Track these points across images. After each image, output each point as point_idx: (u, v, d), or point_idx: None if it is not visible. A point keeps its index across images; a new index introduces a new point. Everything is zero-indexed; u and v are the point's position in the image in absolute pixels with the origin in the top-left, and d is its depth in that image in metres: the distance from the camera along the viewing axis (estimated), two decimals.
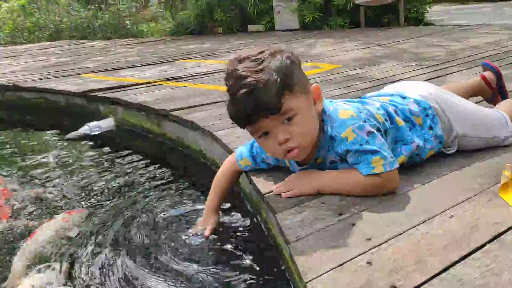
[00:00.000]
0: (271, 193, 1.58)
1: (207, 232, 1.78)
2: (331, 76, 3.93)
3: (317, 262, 1.14)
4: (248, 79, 1.34)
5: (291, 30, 8.79)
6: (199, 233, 1.81)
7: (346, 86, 3.41)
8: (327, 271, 1.10)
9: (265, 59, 1.38)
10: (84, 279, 1.67)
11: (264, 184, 1.67)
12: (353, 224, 1.31)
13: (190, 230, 1.86)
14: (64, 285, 1.61)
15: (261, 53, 1.40)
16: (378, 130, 1.49)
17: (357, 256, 1.15)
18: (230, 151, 2.23)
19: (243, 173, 1.89)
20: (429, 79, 3.31)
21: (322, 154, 1.56)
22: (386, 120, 1.58)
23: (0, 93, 4.98)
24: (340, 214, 1.37)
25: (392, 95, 1.79)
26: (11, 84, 4.84)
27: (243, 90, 1.34)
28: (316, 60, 4.94)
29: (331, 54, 5.38)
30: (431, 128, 1.68)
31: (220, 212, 1.91)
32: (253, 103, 1.34)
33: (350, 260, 1.14)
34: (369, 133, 1.45)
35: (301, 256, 1.18)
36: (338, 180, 1.49)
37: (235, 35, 9.35)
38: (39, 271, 1.69)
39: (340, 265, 1.12)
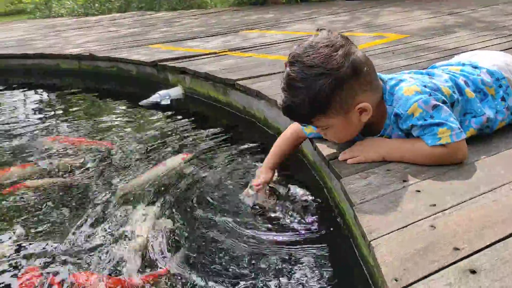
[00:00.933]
0: (335, 159, 1.64)
1: (255, 182, 1.87)
2: (398, 46, 3.84)
3: (381, 224, 1.20)
4: (286, 96, 1.48)
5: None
6: (249, 195, 1.90)
7: (413, 57, 3.33)
8: (391, 232, 1.16)
9: (311, 76, 1.40)
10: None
11: (328, 150, 1.73)
12: (418, 191, 1.35)
13: (244, 192, 1.95)
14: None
15: (315, 57, 1.40)
16: (444, 102, 1.49)
17: (421, 220, 1.20)
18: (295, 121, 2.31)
19: (308, 140, 1.95)
20: (504, 50, 3.16)
21: (387, 133, 1.60)
22: (454, 92, 1.57)
23: (77, 62, 5.32)
24: (405, 181, 1.41)
25: (463, 64, 1.76)
26: (87, 54, 5.16)
27: (281, 103, 1.52)
28: (382, 30, 4.83)
29: (398, 23, 5.22)
30: (503, 99, 1.65)
31: (276, 171, 1.99)
32: (288, 115, 1.56)
33: (413, 223, 1.19)
34: (434, 106, 1.45)
35: (365, 217, 1.24)
36: (404, 148, 1.52)
37: (298, 5, 9.25)
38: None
39: (404, 227, 1.17)
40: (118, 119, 3.70)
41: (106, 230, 1.89)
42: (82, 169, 2.57)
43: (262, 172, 1.94)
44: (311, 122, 1.54)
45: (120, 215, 2.00)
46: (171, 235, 1.80)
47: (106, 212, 2.05)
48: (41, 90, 5.08)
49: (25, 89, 5.14)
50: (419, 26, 4.81)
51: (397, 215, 1.24)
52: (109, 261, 1.66)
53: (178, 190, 2.18)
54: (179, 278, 1.53)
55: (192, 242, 1.74)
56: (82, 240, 1.83)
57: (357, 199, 1.34)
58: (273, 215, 1.82)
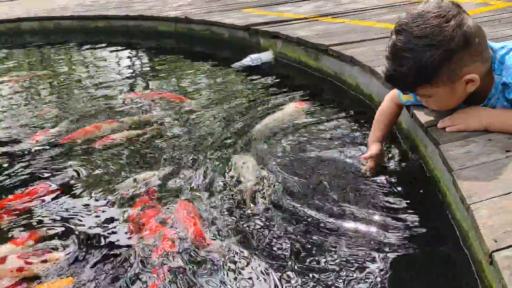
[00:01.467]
0: (433, 127, 1.64)
1: (366, 155, 1.90)
2: (504, 14, 3.59)
3: (481, 190, 1.22)
4: (391, 65, 1.47)
5: None
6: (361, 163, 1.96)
7: None
8: (491, 198, 1.17)
9: (419, 47, 1.38)
10: None
11: (426, 117, 1.73)
12: None
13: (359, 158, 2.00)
14: None
15: (425, 28, 1.38)
16: None
17: None
18: (390, 87, 2.30)
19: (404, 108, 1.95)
20: None
21: (491, 103, 1.56)
22: None
23: (173, 25, 5.58)
24: (508, 151, 1.39)
25: None
26: (183, 17, 5.39)
27: (385, 72, 1.51)
28: None
29: None
30: None
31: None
32: (392, 83, 1.58)
33: None
34: None
35: (464, 182, 1.26)
36: (508, 119, 1.49)
37: None
38: None
39: (505, 195, 1.18)
40: (208, 79, 3.89)
41: (206, 177, 2.06)
42: (166, 122, 2.80)
43: (370, 146, 1.95)
44: (414, 90, 1.56)
45: (216, 162, 2.17)
46: (271, 188, 1.92)
47: (197, 158, 2.23)
48: (139, 50, 5.43)
49: (124, 49, 5.52)
50: None
51: (498, 183, 1.24)
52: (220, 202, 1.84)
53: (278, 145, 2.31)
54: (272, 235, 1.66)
55: (292, 200, 1.85)
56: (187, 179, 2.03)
57: (456, 165, 1.36)
58: (370, 182, 1.87)
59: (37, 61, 5.62)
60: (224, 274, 1.44)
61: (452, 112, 1.62)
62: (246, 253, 1.52)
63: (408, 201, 1.72)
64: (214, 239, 1.61)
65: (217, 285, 1.40)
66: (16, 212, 1.94)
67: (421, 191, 1.78)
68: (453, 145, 1.48)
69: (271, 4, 5.74)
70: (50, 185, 2.14)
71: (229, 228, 1.68)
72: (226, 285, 1.40)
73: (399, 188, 1.81)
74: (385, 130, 1.97)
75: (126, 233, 1.73)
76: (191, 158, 2.28)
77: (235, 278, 1.42)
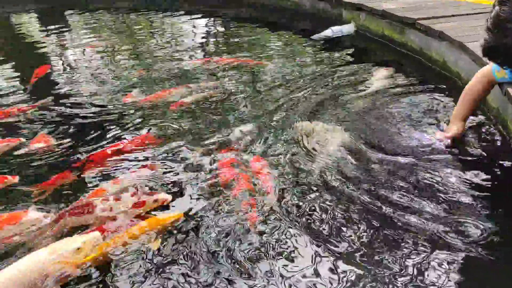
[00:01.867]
0: None
1: (449, 134, 1.88)
2: None
3: None
4: (491, 37, 1.43)
5: None
6: (441, 140, 1.92)
7: None
8: None
9: None
10: None
11: None
12: None
13: (436, 135, 1.96)
14: None
15: None
16: None
17: None
18: (481, 64, 2.20)
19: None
20: None
21: None
22: None
23: None
24: None
25: None
26: None
27: (484, 44, 1.46)
28: None
29: None
30: None
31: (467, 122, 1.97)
32: (491, 55, 1.51)
33: None
34: None
35: None
36: None
37: None
38: None
39: None
40: (285, 49, 3.90)
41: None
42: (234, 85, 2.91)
43: (454, 123, 1.92)
44: None
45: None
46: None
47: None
48: (218, 18, 5.53)
49: (205, 16, 5.65)
50: None
51: None
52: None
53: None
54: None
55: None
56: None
57: None
58: (453, 161, 1.84)
59: (120, 25, 5.92)
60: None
61: None
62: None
63: (493, 182, 1.67)
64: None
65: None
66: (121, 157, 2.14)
67: (506, 168, 1.73)
68: None
69: None
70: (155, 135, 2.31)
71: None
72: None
73: (484, 168, 1.77)
74: (471, 109, 1.93)
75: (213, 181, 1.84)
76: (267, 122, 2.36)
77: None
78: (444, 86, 2.62)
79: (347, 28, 3.96)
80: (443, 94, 2.50)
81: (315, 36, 3.98)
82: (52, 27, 5.72)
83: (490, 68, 1.84)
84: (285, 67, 3.31)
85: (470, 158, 1.84)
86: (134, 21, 6.03)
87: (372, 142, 2.05)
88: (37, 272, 1.35)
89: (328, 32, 3.95)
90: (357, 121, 2.28)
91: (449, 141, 1.90)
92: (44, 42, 4.96)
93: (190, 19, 5.69)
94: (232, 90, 2.87)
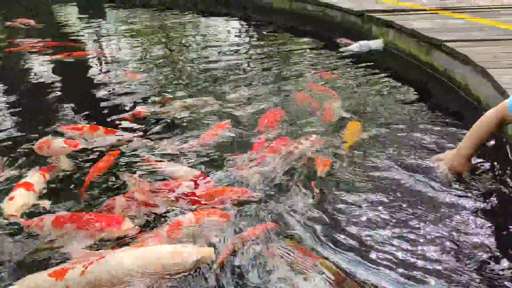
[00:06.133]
0: None
1: (448, 168, 1.85)
2: None
3: None
4: None
5: None
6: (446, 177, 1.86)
7: None
8: None
9: None
10: None
11: None
12: None
13: (439, 168, 1.91)
14: None
15: None
16: None
17: None
18: (501, 92, 2.23)
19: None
20: None
21: None
22: None
23: (288, 2, 5.70)
24: None
25: None
26: None
27: None
28: None
29: None
30: None
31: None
32: None
33: None
34: None
35: None
36: None
37: None
38: None
39: None
40: (312, 58, 3.96)
41: None
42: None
43: (461, 163, 1.85)
44: None
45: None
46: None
47: None
48: (252, 24, 5.64)
49: (237, 20, 5.77)
50: None
51: None
52: None
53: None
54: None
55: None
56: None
57: None
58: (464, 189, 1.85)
59: (155, 22, 6.10)
60: None
61: None
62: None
63: (498, 202, 1.70)
64: None
65: None
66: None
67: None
68: None
69: None
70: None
71: None
72: None
73: (495, 192, 1.78)
74: (479, 144, 1.86)
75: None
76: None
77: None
78: (465, 111, 2.63)
79: (375, 44, 4.00)
80: (461, 117, 2.52)
81: (343, 49, 4.03)
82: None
83: (507, 104, 1.79)
84: (309, 78, 3.37)
85: (480, 185, 1.84)
86: (170, 19, 6.19)
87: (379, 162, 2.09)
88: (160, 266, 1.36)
89: (356, 46, 4.00)
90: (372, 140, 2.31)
91: (451, 175, 1.86)
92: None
93: (224, 22, 5.82)
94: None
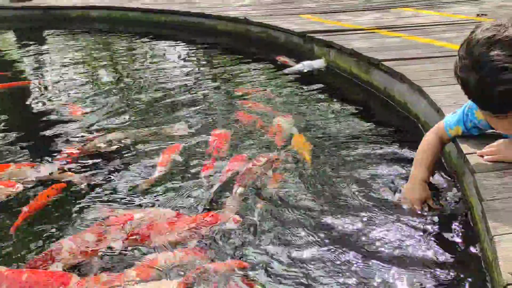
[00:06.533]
0: (473, 154, 1.65)
1: (417, 207, 1.79)
2: None
3: (508, 222, 1.23)
4: (489, 82, 1.33)
5: None
6: (416, 209, 1.79)
7: None
8: None
9: None
10: None
11: (466, 145, 1.73)
12: None
13: (401, 204, 1.85)
14: None
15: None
16: None
17: None
18: (436, 108, 2.29)
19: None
20: None
21: None
22: None
23: (233, 25, 5.73)
24: None
25: None
26: (242, 18, 5.52)
27: (501, 88, 1.32)
28: None
29: None
30: None
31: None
32: (482, 102, 1.43)
33: None
34: None
35: (493, 213, 1.28)
36: None
37: None
38: None
39: None
40: (258, 80, 3.98)
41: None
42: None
43: (421, 191, 1.82)
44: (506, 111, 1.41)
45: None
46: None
47: None
48: (197, 46, 5.61)
49: (182, 44, 5.73)
50: None
51: None
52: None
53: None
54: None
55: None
56: None
57: (488, 196, 1.37)
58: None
59: (99, 47, 5.95)
60: None
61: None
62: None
63: (441, 225, 1.72)
64: None
65: None
66: None
67: (456, 216, 1.77)
68: (489, 175, 1.49)
69: (331, 11, 5.76)
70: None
71: None
72: None
73: (435, 211, 1.81)
74: (431, 168, 1.87)
75: None
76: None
77: None
78: (405, 128, 2.71)
79: (318, 64, 4.07)
80: (402, 135, 2.59)
81: (287, 70, 4.08)
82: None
83: (442, 125, 1.85)
84: (257, 100, 3.37)
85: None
86: (115, 43, 6.06)
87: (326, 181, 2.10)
88: None
89: (299, 67, 4.06)
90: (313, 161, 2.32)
91: (411, 205, 1.82)
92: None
93: (169, 45, 5.76)
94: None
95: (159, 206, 1.96)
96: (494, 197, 1.36)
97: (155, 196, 2.07)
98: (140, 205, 1.99)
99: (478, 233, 1.56)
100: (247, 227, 1.77)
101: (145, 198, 2.05)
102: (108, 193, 2.11)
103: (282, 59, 4.38)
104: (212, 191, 2.04)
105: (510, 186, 1.42)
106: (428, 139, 1.87)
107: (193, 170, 2.29)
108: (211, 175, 2.19)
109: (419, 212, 1.77)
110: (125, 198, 2.06)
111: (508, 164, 1.54)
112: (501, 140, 1.60)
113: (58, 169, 2.29)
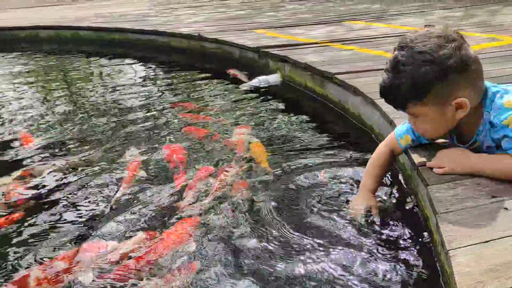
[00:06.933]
0: (424, 166, 1.66)
1: (360, 217, 1.80)
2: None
3: (463, 235, 1.23)
4: (388, 77, 1.52)
5: None
6: (358, 219, 1.81)
7: None
8: (472, 245, 1.19)
9: (418, 61, 1.42)
10: None
11: (418, 156, 1.75)
12: (506, 209, 1.35)
13: (347, 215, 1.86)
14: None
15: (426, 45, 1.43)
16: None
17: (505, 237, 1.21)
18: (389, 120, 2.33)
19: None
20: None
21: (480, 139, 1.58)
22: None
23: (186, 42, 5.69)
24: (494, 197, 1.41)
25: None
26: (196, 34, 5.49)
27: (381, 84, 1.55)
28: (496, 32, 4.53)
29: None
30: None
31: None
32: (385, 96, 1.58)
33: (496, 239, 1.20)
34: None
35: (447, 226, 1.28)
36: (491, 163, 1.50)
37: None
38: None
39: (486, 242, 1.20)
40: (216, 98, 3.95)
41: None
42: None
43: (368, 199, 1.85)
44: (405, 107, 1.55)
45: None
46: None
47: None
48: (150, 64, 5.54)
49: (136, 62, 5.63)
50: None
51: (480, 229, 1.26)
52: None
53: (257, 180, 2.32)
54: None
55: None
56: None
57: (442, 208, 1.38)
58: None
59: (50, 68, 5.76)
60: None
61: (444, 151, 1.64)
62: None
63: (398, 238, 1.73)
64: None
65: None
66: None
67: (412, 229, 1.79)
68: (441, 187, 1.50)
69: (285, 26, 5.82)
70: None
71: None
72: None
73: (391, 223, 1.83)
74: (380, 181, 1.92)
75: None
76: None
77: None
78: (360, 140, 2.74)
79: (273, 78, 4.08)
80: (357, 147, 2.61)
81: (243, 85, 4.08)
82: None
83: (394, 136, 1.87)
84: (212, 113, 3.34)
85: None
86: (65, 63, 5.88)
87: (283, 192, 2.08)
88: None
89: (255, 82, 4.06)
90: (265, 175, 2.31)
91: (355, 214, 1.84)
92: None
93: (123, 63, 5.65)
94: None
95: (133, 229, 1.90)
96: (448, 209, 1.37)
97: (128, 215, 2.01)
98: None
99: (435, 244, 1.57)
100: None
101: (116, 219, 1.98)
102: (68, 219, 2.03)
103: (232, 72, 4.43)
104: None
105: (462, 197, 1.43)
106: (378, 151, 1.91)
107: (159, 186, 2.26)
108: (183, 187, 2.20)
109: (362, 222, 1.79)
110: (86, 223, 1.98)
111: (459, 174, 1.56)
112: (441, 151, 1.63)
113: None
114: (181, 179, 2.27)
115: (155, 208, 2.06)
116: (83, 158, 2.68)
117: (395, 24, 5.49)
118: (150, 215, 2.01)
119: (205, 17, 7.25)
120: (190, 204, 2.04)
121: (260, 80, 4.05)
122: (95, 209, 2.10)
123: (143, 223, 1.94)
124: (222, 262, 1.63)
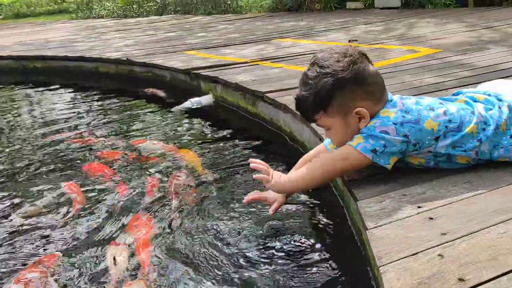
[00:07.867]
0: (356, 180, 1.69)
1: (271, 211, 1.85)
2: (429, 61, 3.83)
3: (392, 249, 1.25)
4: (299, 90, 1.65)
5: (391, 8, 8.50)
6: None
7: (443, 74, 3.32)
8: (400, 259, 1.21)
9: (320, 74, 1.56)
10: None
11: None
12: (431, 218, 1.39)
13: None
14: None
15: (327, 60, 1.58)
16: (406, 136, 1.54)
17: (430, 248, 1.24)
18: (318, 136, 2.37)
19: None
20: None
21: None
22: (447, 126, 1.58)
23: (114, 66, 5.54)
24: (420, 207, 1.45)
25: (489, 95, 1.76)
26: (125, 59, 5.36)
27: (295, 97, 1.67)
28: (414, 43, 4.81)
29: (432, 36, 5.18)
30: None
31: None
32: (297, 109, 1.69)
33: (423, 251, 1.23)
34: (384, 132, 1.55)
35: (377, 242, 1.30)
36: (293, 184, 1.70)
37: (333, 12, 9.27)
38: None
39: (413, 255, 1.22)
40: (149, 122, 3.86)
41: None
42: None
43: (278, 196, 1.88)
44: (314, 119, 1.67)
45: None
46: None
47: None
48: (79, 91, 5.31)
49: (63, 89, 5.39)
50: (452, 41, 4.77)
51: (408, 241, 1.28)
52: None
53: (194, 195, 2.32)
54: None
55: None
56: None
57: (371, 223, 1.40)
58: (287, 230, 1.88)
59: None
60: None
61: None
62: None
63: (333, 253, 1.74)
64: None
65: None
66: None
67: (346, 243, 1.81)
68: (369, 201, 1.53)
69: (215, 46, 5.84)
70: None
71: None
72: None
73: (324, 240, 1.84)
74: (303, 188, 1.92)
75: None
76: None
77: None
78: (294, 158, 2.76)
79: (206, 100, 4.05)
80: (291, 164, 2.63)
81: (175, 109, 4.01)
82: None
83: (324, 143, 1.93)
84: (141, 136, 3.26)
85: (306, 229, 1.90)
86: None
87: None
88: None
89: (187, 104, 4.01)
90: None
91: (269, 211, 1.85)
92: None
93: (48, 92, 5.40)
94: None
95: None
96: (377, 224, 1.39)
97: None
98: None
99: (369, 259, 1.59)
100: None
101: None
102: None
103: (151, 90, 4.54)
104: None
105: (389, 210, 1.46)
106: (309, 154, 1.99)
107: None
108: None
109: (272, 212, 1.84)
110: None
111: (386, 187, 1.60)
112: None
113: None
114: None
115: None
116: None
117: (321, 40, 5.68)
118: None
119: (135, 41, 7.11)
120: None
121: (193, 102, 4.00)
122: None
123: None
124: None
